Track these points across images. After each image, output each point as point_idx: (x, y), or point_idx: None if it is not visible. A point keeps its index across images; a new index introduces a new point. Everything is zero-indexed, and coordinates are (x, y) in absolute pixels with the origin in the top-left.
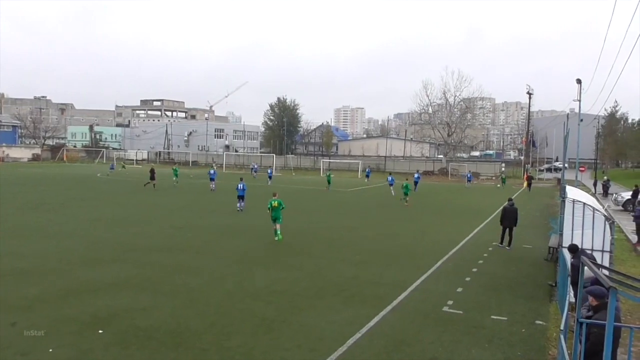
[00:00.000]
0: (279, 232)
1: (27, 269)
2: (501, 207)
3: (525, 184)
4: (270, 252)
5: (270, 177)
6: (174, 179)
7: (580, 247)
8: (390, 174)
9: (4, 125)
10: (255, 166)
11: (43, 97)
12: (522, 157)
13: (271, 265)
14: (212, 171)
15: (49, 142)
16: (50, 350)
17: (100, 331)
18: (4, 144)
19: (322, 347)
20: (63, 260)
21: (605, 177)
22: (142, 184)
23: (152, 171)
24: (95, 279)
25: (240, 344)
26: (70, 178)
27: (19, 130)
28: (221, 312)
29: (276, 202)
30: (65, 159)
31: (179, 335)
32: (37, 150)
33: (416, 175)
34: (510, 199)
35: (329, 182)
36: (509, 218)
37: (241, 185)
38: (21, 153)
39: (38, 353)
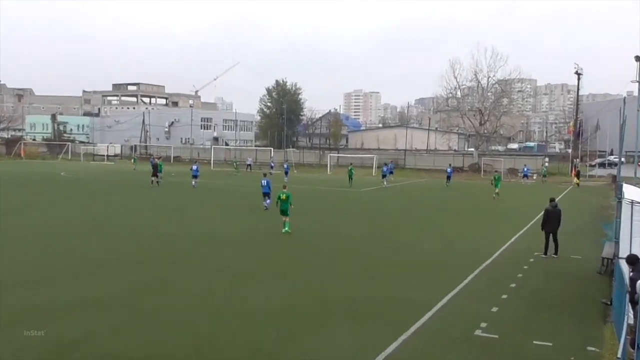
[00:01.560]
0: (288, 225)
1: None
2: (543, 210)
3: (575, 180)
4: (267, 265)
5: (287, 174)
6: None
7: None
8: (386, 164)
9: None
10: (267, 163)
11: None
12: (570, 150)
13: (268, 280)
14: (194, 167)
15: (3, 134)
16: None
17: None
18: None
19: None
20: (20, 275)
21: None
22: (108, 182)
23: (155, 166)
24: (59, 298)
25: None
26: (29, 178)
27: None
28: (207, 337)
29: (284, 195)
30: (22, 154)
31: None
32: None
33: (449, 170)
34: (552, 200)
35: (350, 178)
36: (551, 221)
37: (265, 182)
38: None
39: None
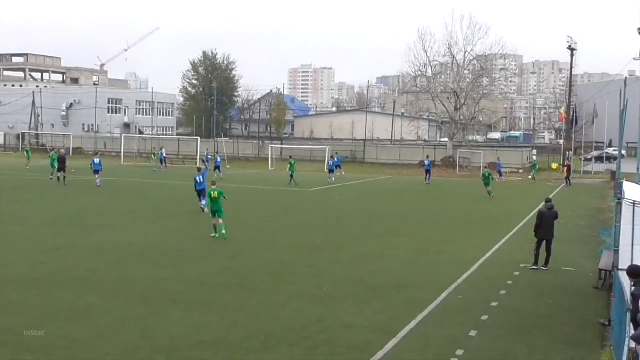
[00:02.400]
0: (223, 228)
1: None
2: (535, 211)
3: (565, 175)
4: (193, 284)
5: (218, 168)
6: (52, 170)
7: None
8: (337, 153)
9: None
10: (208, 155)
11: None
12: (562, 141)
13: (194, 303)
14: (96, 160)
15: None
16: None
17: None
18: None
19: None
20: None
21: None
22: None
23: (61, 159)
24: None
25: None
26: None
27: None
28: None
29: (216, 192)
30: None
31: None
32: None
33: (427, 162)
34: (548, 200)
35: (292, 173)
36: (546, 226)
37: (200, 178)
38: None
39: None
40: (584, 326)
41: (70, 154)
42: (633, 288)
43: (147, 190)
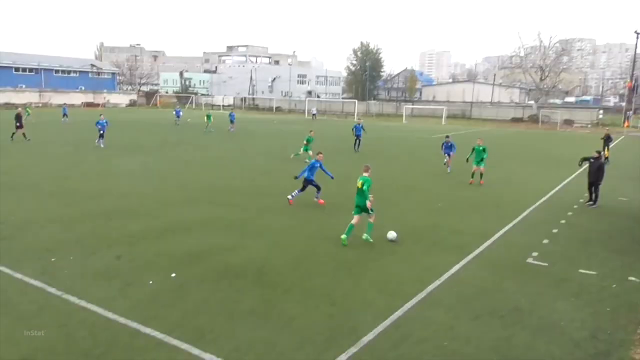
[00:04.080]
0: (370, 228)
1: (129, 208)
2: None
3: (605, 152)
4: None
5: (178, 116)
6: (208, 124)
7: None
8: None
9: (104, 72)
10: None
11: (138, 45)
12: (624, 104)
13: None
14: (102, 120)
15: (144, 88)
16: (151, 282)
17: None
18: (105, 90)
19: (402, 292)
20: (159, 200)
21: None
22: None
23: (17, 117)
24: (186, 219)
25: (322, 285)
26: (158, 124)
27: (118, 77)
28: (305, 254)
29: (361, 181)
30: (158, 104)
31: (266, 274)
32: (134, 96)
33: (357, 126)
34: (598, 152)
35: (208, 120)
36: (591, 173)
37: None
38: (120, 99)
39: (139, 285)
40: (634, 241)
41: (274, 110)
42: None
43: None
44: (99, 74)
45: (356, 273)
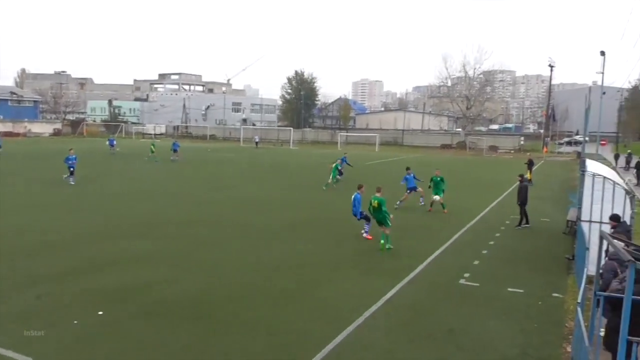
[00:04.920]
0: (386, 239)
1: (52, 242)
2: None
3: (528, 174)
4: (286, 225)
5: (112, 145)
6: (152, 153)
7: (599, 220)
8: (345, 153)
9: (25, 100)
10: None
11: (63, 72)
12: (542, 131)
13: (288, 239)
14: (71, 156)
15: (70, 116)
16: (75, 321)
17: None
18: (25, 120)
19: (341, 318)
20: (84, 234)
21: (628, 151)
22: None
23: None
24: (116, 253)
25: (259, 317)
26: (91, 153)
27: (40, 106)
28: (241, 285)
29: (376, 201)
30: (85, 133)
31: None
32: (58, 125)
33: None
34: (520, 175)
35: (152, 151)
36: (519, 195)
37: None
38: (42, 128)
39: (62, 325)
40: (555, 259)
41: (207, 139)
42: (612, 230)
43: (261, 157)
44: (19, 102)
45: (295, 302)
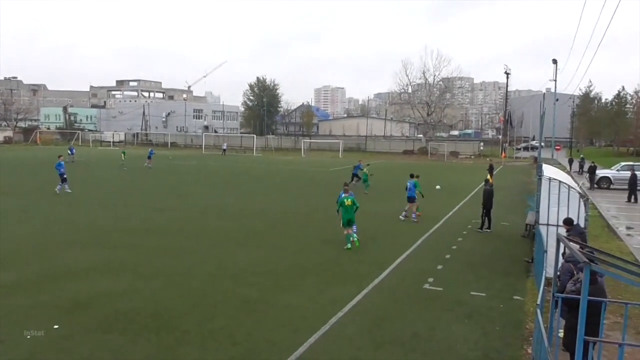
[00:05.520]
0: (355, 236)
1: (2, 254)
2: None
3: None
4: (250, 232)
5: (72, 153)
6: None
7: (556, 223)
8: (360, 160)
9: None
10: (72, 149)
11: (14, 77)
12: (500, 136)
13: (250, 244)
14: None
15: (21, 124)
16: (28, 336)
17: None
18: None
19: (305, 326)
20: (37, 244)
21: (581, 156)
22: (116, 164)
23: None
24: (72, 264)
25: (222, 326)
26: (44, 162)
27: None
28: (204, 294)
29: (349, 199)
30: (38, 141)
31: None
32: (9, 133)
33: (358, 165)
34: (486, 180)
35: (122, 159)
36: (484, 199)
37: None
38: None
39: (13, 341)
40: (515, 262)
41: (169, 146)
42: (566, 233)
43: (221, 169)
44: None
45: (258, 311)
